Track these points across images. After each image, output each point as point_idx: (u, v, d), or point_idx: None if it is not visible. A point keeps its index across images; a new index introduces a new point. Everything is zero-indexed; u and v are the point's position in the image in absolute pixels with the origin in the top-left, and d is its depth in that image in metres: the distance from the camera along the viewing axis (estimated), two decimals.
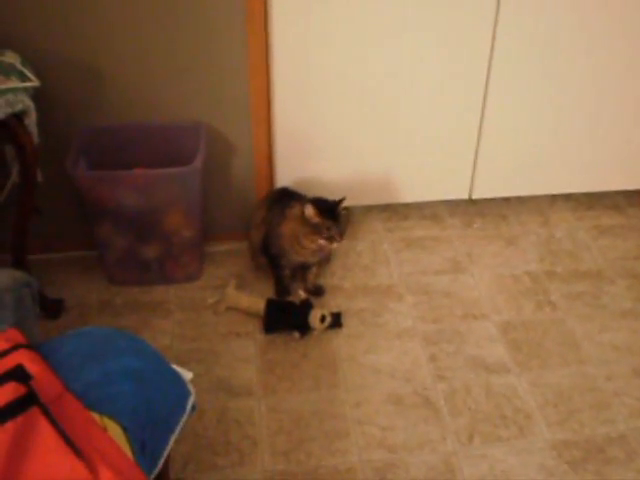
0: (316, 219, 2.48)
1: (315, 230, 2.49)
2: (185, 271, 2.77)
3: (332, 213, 2.50)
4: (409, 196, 3.08)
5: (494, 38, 2.67)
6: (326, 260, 2.81)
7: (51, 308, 2.58)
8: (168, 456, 1.61)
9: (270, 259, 2.68)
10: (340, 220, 2.51)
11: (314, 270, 2.72)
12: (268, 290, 2.72)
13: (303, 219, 2.50)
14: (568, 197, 3.26)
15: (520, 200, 3.22)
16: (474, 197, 3.07)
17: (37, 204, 2.45)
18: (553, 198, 3.25)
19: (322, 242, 2.50)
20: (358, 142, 2.86)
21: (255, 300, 2.61)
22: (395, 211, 3.16)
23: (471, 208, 3.18)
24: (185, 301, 2.70)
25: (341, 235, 2.51)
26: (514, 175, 3.05)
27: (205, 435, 2.22)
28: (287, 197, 2.65)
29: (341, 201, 2.53)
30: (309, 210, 2.48)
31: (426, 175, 3.00)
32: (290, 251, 2.58)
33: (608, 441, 2.24)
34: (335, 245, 2.52)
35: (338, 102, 2.75)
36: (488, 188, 3.07)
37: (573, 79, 2.82)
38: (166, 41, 2.48)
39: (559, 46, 2.73)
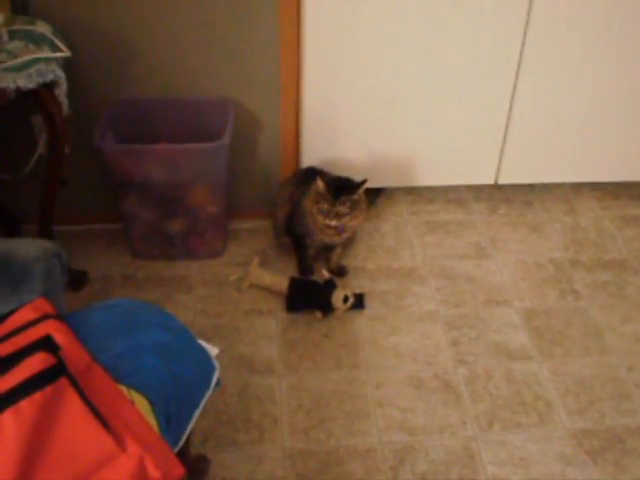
0: (322, 190, 2.48)
1: (316, 200, 2.49)
2: (209, 247, 2.77)
3: (339, 192, 2.48)
4: (434, 179, 3.07)
5: (527, 23, 2.64)
6: (350, 241, 2.80)
7: (74, 280, 2.59)
8: (190, 431, 1.62)
9: (295, 238, 2.68)
10: (345, 202, 2.47)
11: (338, 251, 2.72)
12: (291, 268, 2.72)
13: (316, 192, 2.51)
14: (594, 186, 3.23)
15: (546, 187, 3.20)
16: (500, 182, 3.05)
17: (63, 176, 2.45)
18: (579, 186, 3.23)
19: (319, 216, 2.49)
20: (385, 123, 2.85)
21: (278, 278, 2.61)
22: (420, 194, 3.14)
23: (496, 193, 3.16)
24: (208, 277, 2.70)
25: (337, 215, 2.48)
26: (541, 162, 3.03)
27: (226, 411, 2.23)
28: (313, 176, 2.63)
29: (361, 184, 2.51)
30: (319, 181, 2.48)
31: (453, 159, 2.98)
32: (315, 230, 2.57)
33: (628, 432, 2.23)
34: (329, 222, 2.49)
35: (367, 82, 2.73)
36: (515, 174, 3.05)
37: (603, 68, 2.79)
38: (197, 15, 2.47)
39: (592, 34, 2.70)
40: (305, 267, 2.69)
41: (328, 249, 2.71)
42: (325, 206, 2.47)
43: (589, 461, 2.14)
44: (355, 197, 2.50)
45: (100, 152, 2.48)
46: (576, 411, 2.28)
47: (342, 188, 2.50)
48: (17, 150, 2.61)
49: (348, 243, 2.80)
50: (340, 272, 2.72)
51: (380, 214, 3.02)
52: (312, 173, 2.67)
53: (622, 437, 2.21)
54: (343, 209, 2.48)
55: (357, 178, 2.54)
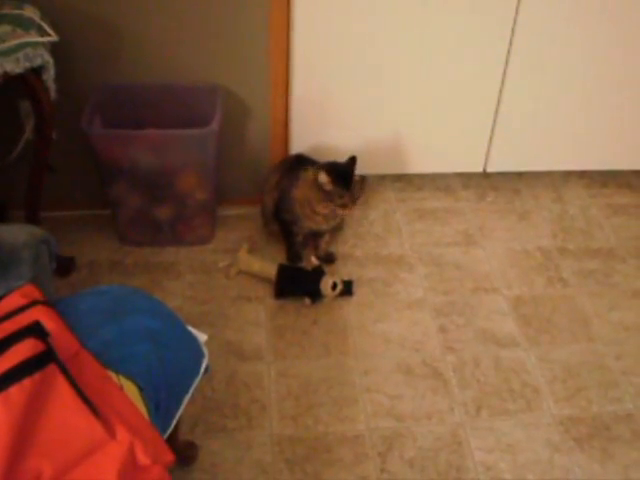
0: (329, 186, 2.46)
1: (328, 197, 2.48)
2: (197, 233, 2.77)
3: (345, 180, 2.47)
4: (423, 167, 3.07)
5: (517, 11, 2.63)
6: (338, 228, 2.81)
7: (62, 266, 2.58)
8: (179, 417, 1.62)
9: (283, 225, 2.67)
10: (353, 186, 2.49)
11: (326, 237, 2.71)
12: (280, 255, 2.72)
13: (317, 185, 2.48)
14: (582, 174, 3.24)
15: (534, 175, 3.20)
16: (489, 170, 3.06)
17: (51, 162, 2.44)
18: (567, 174, 3.23)
19: (336, 209, 2.49)
20: (375, 110, 2.84)
21: (267, 265, 2.60)
22: (409, 181, 3.14)
23: (484, 181, 3.17)
24: (196, 264, 2.70)
25: (354, 201, 2.50)
26: (529, 150, 3.03)
27: (214, 398, 2.23)
28: (301, 163, 2.63)
29: (353, 164, 2.51)
30: (322, 177, 2.45)
31: (441, 147, 2.98)
32: (303, 217, 2.57)
33: (615, 419, 2.24)
34: (348, 212, 2.52)
35: (357, 70, 2.72)
36: (503, 162, 3.06)
37: (592, 57, 2.79)
38: (187, 1, 2.45)
39: (581, 23, 2.70)
40: (294, 254, 2.69)
41: (317, 236, 2.70)
42: (340, 200, 2.46)
43: (576, 448, 2.15)
44: (357, 178, 2.51)
45: (88, 137, 2.47)
46: (563, 398, 2.30)
47: (345, 176, 2.49)
48: (3, 135, 2.59)
49: (337, 230, 2.80)
50: (328, 259, 2.72)
51: (368, 201, 3.02)
52: (299, 161, 2.66)
53: (609, 424, 2.23)
54: (356, 193, 2.49)
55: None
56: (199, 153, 2.56)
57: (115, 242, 2.77)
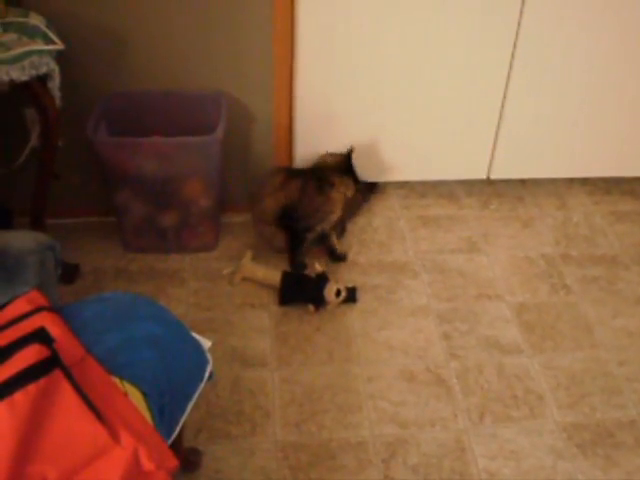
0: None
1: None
2: (201, 241, 2.77)
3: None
4: (427, 174, 3.08)
5: (520, 18, 2.64)
6: (341, 232, 2.83)
7: (67, 273, 2.58)
8: (183, 424, 1.62)
9: (295, 233, 2.66)
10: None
11: (334, 237, 2.74)
12: (283, 262, 2.72)
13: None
14: (585, 181, 3.24)
15: (537, 182, 3.20)
16: (492, 177, 3.06)
17: (55, 169, 2.45)
18: (570, 181, 3.23)
19: None
20: (378, 118, 2.85)
21: (271, 272, 2.61)
22: (412, 189, 3.15)
23: (488, 188, 3.17)
24: (200, 270, 2.71)
25: None
26: (533, 157, 3.03)
27: (218, 404, 2.24)
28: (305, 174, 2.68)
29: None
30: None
31: (445, 154, 2.99)
32: (338, 211, 2.67)
33: (618, 426, 2.24)
34: None
35: (359, 78, 2.73)
36: (507, 169, 3.06)
37: (595, 64, 2.79)
38: (191, 9, 2.47)
39: (584, 29, 2.70)
40: (299, 262, 2.69)
41: (324, 239, 2.73)
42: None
43: (580, 454, 2.15)
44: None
45: (93, 145, 2.48)
46: (567, 405, 2.30)
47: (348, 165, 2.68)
48: (9, 143, 2.60)
49: (340, 235, 2.82)
50: (343, 257, 2.76)
51: (372, 208, 3.03)
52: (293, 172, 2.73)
53: (612, 431, 2.23)
54: None
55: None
56: (203, 160, 2.57)
57: (120, 249, 2.78)
